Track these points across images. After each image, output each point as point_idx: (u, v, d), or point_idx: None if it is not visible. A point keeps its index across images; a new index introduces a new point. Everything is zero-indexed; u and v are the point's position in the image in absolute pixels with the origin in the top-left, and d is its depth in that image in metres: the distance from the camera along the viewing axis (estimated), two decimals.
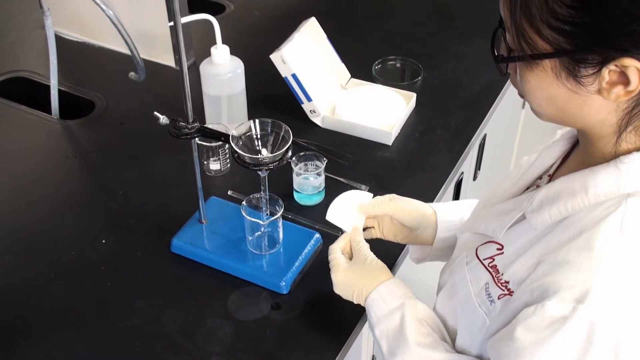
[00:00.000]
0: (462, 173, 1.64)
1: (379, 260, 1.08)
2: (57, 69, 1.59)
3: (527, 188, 0.96)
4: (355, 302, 1.06)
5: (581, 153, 0.87)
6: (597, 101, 0.76)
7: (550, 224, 0.83)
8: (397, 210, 1.15)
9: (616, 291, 0.75)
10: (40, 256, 1.28)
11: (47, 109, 1.62)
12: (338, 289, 1.08)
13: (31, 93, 1.72)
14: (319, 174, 1.36)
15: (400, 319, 1.00)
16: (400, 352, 0.98)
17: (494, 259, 0.90)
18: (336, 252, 1.09)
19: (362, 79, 1.68)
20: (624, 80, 0.73)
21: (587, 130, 0.82)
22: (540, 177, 0.96)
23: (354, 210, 1.14)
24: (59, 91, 1.62)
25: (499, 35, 0.80)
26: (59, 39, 1.66)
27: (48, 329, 1.15)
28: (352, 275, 1.06)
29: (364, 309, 1.05)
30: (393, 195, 1.17)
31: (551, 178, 0.93)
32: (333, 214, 1.14)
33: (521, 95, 0.83)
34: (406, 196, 1.18)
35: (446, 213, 1.15)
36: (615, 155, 0.80)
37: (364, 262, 1.07)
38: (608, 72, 0.73)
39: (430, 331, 0.99)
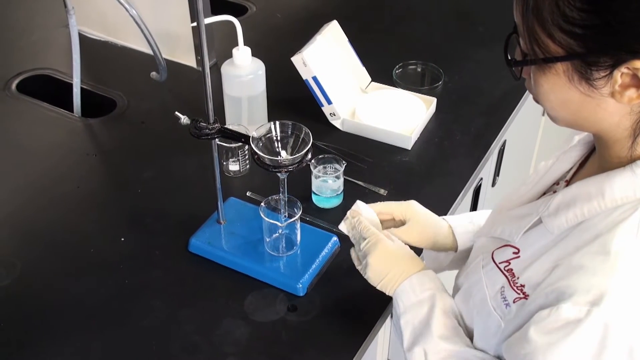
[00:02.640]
0: (481, 179, 1.64)
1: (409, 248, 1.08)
2: (80, 67, 1.60)
3: (544, 193, 0.96)
4: (381, 284, 1.04)
5: (598, 158, 0.87)
6: (611, 104, 0.76)
7: (566, 228, 0.84)
8: (412, 212, 1.14)
9: (631, 295, 0.75)
10: (60, 253, 1.29)
11: (69, 106, 1.63)
12: (376, 260, 1.05)
13: (54, 91, 1.73)
14: (337, 177, 1.36)
15: (428, 309, 1.00)
16: (422, 342, 0.98)
17: (509, 263, 0.90)
18: (372, 228, 1.09)
19: (383, 83, 1.68)
20: (636, 82, 0.73)
21: (602, 134, 0.82)
22: (557, 182, 0.96)
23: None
24: (81, 89, 1.63)
25: (513, 40, 0.81)
26: (83, 38, 1.68)
27: (65, 326, 1.15)
28: (392, 254, 1.05)
29: (381, 313, 1.05)
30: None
31: (568, 183, 0.93)
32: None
33: (536, 100, 0.83)
34: (424, 201, 1.18)
35: (462, 227, 1.15)
36: (632, 160, 0.81)
37: (402, 246, 1.07)
38: (620, 75, 0.73)
39: (456, 324, 0.99)
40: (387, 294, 1.06)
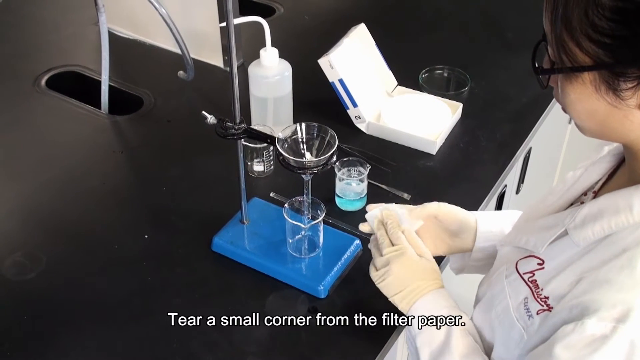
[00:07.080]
0: (505, 186, 1.63)
1: (435, 262, 1.08)
2: (109, 65, 1.62)
3: (571, 204, 0.95)
4: (397, 296, 1.04)
5: (627, 170, 0.86)
6: (638, 116, 0.76)
7: (592, 241, 0.82)
8: (442, 212, 1.14)
9: None
10: (84, 248, 1.30)
11: (97, 103, 1.65)
12: (399, 270, 1.05)
13: (82, 87, 1.75)
14: (361, 180, 1.36)
15: (446, 329, 0.99)
16: None
17: (534, 274, 0.89)
18: (402, 236, 1.08)
19: (409, 87, 1.67)
20: None
21: (630, 145, 0.81)
22: (585, 194, 0.94)
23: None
24: (109, 87, 1.65)
25: (541, 48, 0.80)
26: (112, 36, 1.69)
27: (88, 321, 1.17)
28: (415, 268, 1.05)
29: (401, 317, 1.05)
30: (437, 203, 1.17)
31: (596, 195, 0.92)
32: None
33: (564, 109, 0.83)
34: None
35: (487, 223, 1.14)
36: None
37: (427, 261, 1.06)
38: None
39: (473, 341, 0.98)
40: (398, 308, 1.05)
